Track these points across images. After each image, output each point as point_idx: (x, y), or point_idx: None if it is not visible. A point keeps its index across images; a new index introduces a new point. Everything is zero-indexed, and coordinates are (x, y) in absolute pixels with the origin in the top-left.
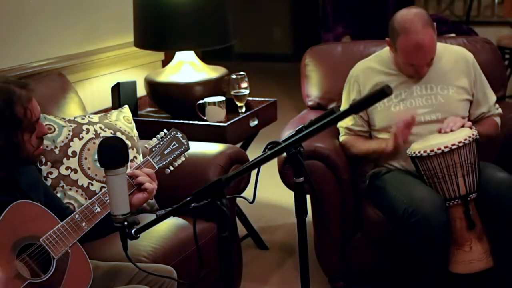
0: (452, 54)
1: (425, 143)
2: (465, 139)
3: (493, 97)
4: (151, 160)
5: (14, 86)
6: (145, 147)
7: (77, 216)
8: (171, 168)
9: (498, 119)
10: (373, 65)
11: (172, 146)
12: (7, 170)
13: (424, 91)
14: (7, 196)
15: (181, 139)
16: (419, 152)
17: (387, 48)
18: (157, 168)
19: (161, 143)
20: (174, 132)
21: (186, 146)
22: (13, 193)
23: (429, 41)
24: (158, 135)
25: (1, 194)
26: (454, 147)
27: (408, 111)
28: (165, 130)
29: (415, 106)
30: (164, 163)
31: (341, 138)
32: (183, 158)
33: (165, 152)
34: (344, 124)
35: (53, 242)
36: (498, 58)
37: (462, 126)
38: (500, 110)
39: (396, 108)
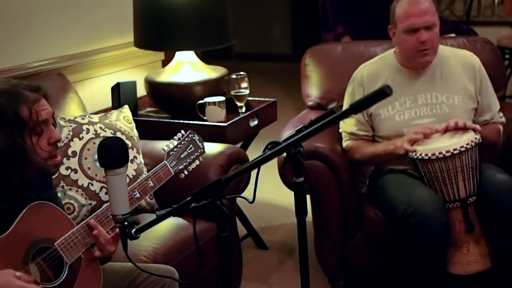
0: (458, 59)
1: (427, 146)
2: (467, 144)
3: (497, 105)
4: (168, 165)
5: (23, 89)
6: (163, 149)
7: (91, 221)
8: (186, 172)
9: (501, 127)
10: (378, 69)
11: (189, 150)
12: (21, 178)
13: (429, 100)
14: (20, 200)
15: (197, 142)
16: (420, 154)
17: (391, 51)
18: (173, 173)
19: (179, 146)
20: (192, 135)
21: (202, 150)
22: (28, 196)
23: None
24: (176, 136)
25: (15, 199)
26: (456, 152)
27: (413, 121)
28: (182, 131)
29: (420, 115)
30: (180, 167)
31: (345, 144)
32: (197, 162)
33: (182, 156)
34: (349, 129)
35: (67, 247)
36: (498, 58)
37: (464, 128)
38: (503, 119)
39: (401, 117)
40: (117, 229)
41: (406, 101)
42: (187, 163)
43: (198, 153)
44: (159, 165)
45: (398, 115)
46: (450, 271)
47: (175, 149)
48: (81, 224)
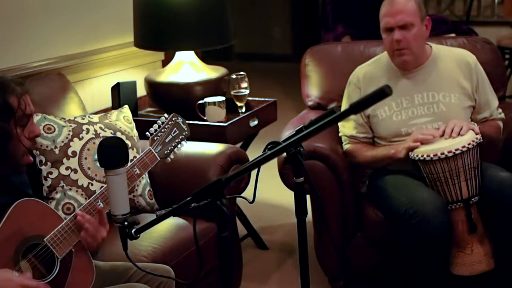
0: (454, 58)
1: (428, 147)
2: (469, 144)
3: (495, 102)
4: (153, 151)
5: (9, 81)
6: (146, 135)
7: (79, 212)
8: (172, 156)
9: (500, 123)
10: (373, 71)
11: (173, 133)
12: None
13: (426, 99)
14: (8, 195)
15: (181, 124)
16: (422, 156)
17: (385, 52)
18: (159, 159)
19: (163, 130)
20: (175, 118)
21: (186, 132)
22: (11, 193)
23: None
24: (159, 121)
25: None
26: (457, 152)
27: (411, 121)
28: (165, 115)
29: (417, 115)
30: (166, 152)
31: (345, 147)
32: (183, 144)
33: (167, 140)
34: (349, 132)
35: (57, 242)
36: (498, 58)
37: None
38: (503, 115)
39: (398, 117)
40: (104, 213)
41: (402, 101)
42: (172, 147)
43: (182, 136)
44: (144, 152)
45: (395, 115)
46: (454, 272)
47: (159, 134)
48: (69, 217)
